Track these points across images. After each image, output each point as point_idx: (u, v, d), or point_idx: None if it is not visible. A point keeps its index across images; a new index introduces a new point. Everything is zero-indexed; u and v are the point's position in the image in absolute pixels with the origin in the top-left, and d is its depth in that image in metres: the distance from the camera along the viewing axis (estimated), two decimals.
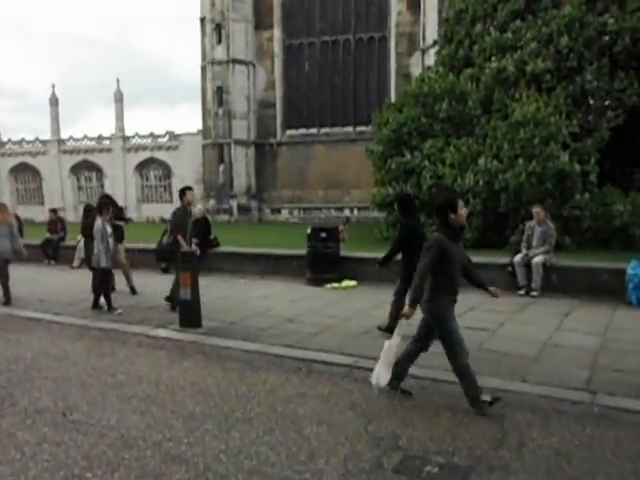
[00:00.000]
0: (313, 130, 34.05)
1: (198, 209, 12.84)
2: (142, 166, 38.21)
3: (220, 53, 32.72)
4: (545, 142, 15.28)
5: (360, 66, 33.24)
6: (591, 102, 17.63)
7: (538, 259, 8.85)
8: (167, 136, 37.50)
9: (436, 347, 4.72)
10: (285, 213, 34.73)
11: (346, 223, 12.03)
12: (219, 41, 32.64)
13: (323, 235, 10.18)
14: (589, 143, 16.00)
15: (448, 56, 21.78)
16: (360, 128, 33.33)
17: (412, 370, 4.93)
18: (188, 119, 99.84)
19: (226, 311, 8.23)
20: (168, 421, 4.36)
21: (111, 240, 8.49)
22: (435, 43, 24.17)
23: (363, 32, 33.00)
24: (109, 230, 8.44)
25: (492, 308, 8.13)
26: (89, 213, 9.75)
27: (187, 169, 35.88)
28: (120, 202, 39.11)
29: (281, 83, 34.09)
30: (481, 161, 16.30)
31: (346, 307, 8.47)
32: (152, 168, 38.22)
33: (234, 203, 34.27)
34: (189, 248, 8.30)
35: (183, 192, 8.75)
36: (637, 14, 17.24)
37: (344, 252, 10.60)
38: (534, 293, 8.83)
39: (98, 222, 8.34)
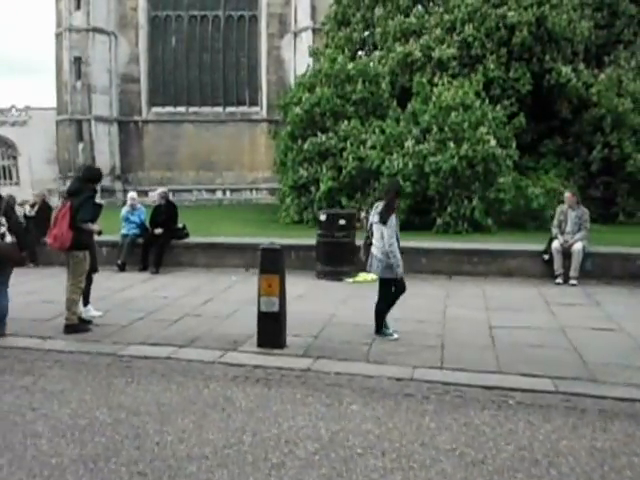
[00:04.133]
0: (181, 109, 30.91)
1: (158, 193, 10.29)
2: None
3: (79, 20, 28.02)
4: (474, 126, 14.93)
5: (230, 45, 30.77)
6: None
7: (579, 245, 8.10)
8: (12, 110, 31.51)
9: None
10: (153, 195, 31.17)
11: (368, 210, 10.43)
12: (78, 6, 27.90)
13: (342, 223, 8.45)
14: (507, 129, 16.02)
15: (344, 38, 20.66)
16: (230, 109, 31.06)
17: None
18: (24, 93, 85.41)
19: None
20: None
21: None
22: (324, 25, 22.76)
23: (233, 9, 30.51)
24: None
25: (567, 302, 7.23)
26: None
27: (37, 147, 30.63)
28: None
29: (146, 57, 30.32)
30: (408, 143, 15.50)
31: (411, 306, 6.99)
32: None
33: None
34: None
35: None
36: (532, 9, 17.62)
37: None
38: (573, 281, 8.06)
39: (393, 219, 5.47)
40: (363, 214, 8.64)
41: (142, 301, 7.34)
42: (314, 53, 20.22)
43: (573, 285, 8.06)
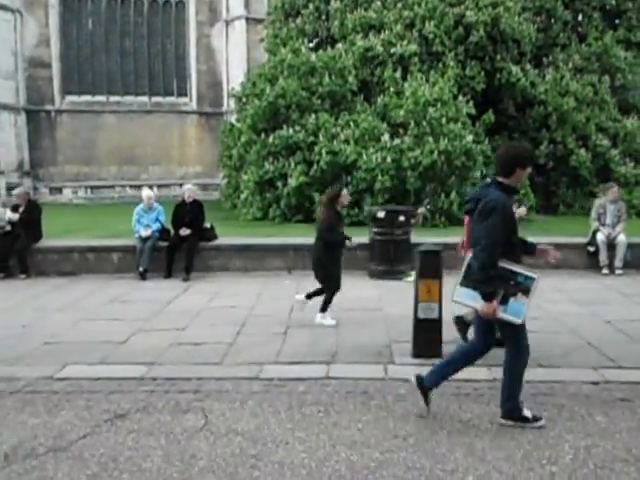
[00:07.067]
0: (101, 98, 28.50)
1: (187, 188, 9.22)
2: None
3: None
4: (451, 122, 15.11)
5: (155, 31, 28.80)
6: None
7: (622, 237, 8.51)
8: None
9: None
10: (68, 193, 28.59)
11: (428, 204, 9.92)
12: None
13: (402, 219, 8.07)
14: (477, 125, 16.40)
15: (297, 29, 20.11)
16: (157, 99, 29.22)
17: None
18: None
19: (383, 325, 5.86)
20: None
21: None
22: (270, 15, 22.06)
23: None
24: None
25: (638, 292, 7.43)
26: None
27: None
28: None
29: (58, 39, 27.50)
30: (384, 138, 15.39)
31: None
32: None
33: (1, 182, 27.02)
34: None
35: None
36: (487, 10, 18.16)
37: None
38: (619, 271, 8.48)
39: None
40: (421, 209, 8.27)
41: (211, 312, 6.52)
42: (274, 44, 19.41)
43: (620, 275, 8.40)
